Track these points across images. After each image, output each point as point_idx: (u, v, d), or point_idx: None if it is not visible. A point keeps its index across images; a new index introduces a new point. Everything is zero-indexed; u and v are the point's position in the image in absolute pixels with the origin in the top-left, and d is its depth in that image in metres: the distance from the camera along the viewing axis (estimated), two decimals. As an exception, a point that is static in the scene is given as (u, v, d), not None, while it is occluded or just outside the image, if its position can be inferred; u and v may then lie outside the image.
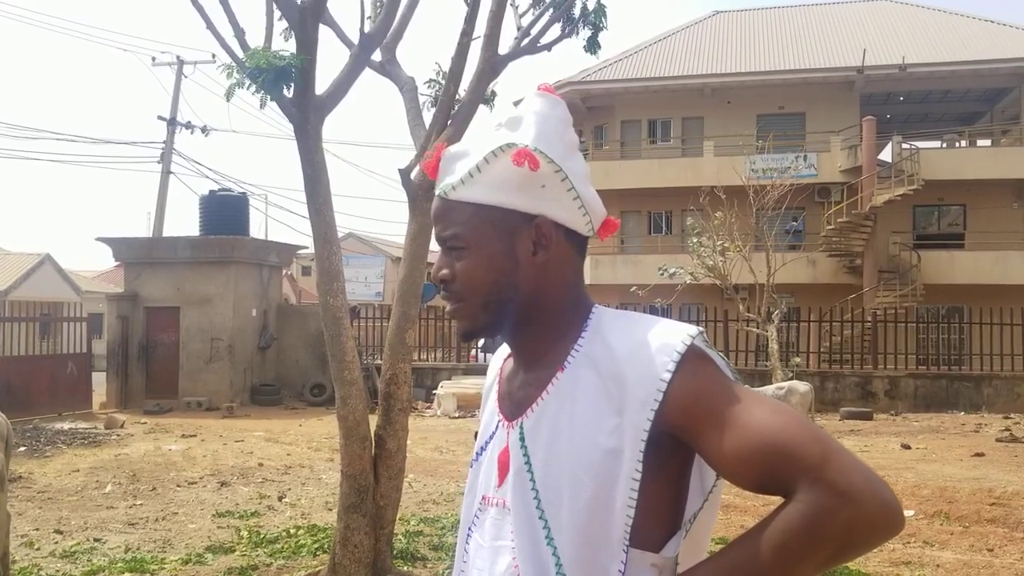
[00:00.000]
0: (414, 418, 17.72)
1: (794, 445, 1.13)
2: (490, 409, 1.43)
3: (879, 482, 1.11)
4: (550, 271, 1.33)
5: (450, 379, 20.40)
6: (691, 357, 1.23)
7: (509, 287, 1.32)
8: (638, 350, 1.23)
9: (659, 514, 1.26)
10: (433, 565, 6.57)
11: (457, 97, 6.66)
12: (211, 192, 21.36)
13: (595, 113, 30.99)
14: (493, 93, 7.58)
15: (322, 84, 6.28)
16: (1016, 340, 19.30)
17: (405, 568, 6.51)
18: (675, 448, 1.24)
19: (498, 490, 1.35)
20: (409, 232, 6.28)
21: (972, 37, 28.03)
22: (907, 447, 12.81)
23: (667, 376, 1.20)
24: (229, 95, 6.21)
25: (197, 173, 42.13)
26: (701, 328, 1.27)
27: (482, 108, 7.65)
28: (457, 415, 18.09)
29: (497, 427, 1.39)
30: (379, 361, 21.98)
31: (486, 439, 1.41)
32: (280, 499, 9.46)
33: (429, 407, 19.38)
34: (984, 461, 11.50)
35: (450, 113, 6.49)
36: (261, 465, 11.73)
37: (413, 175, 6.23)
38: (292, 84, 5.97)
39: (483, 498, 1.39)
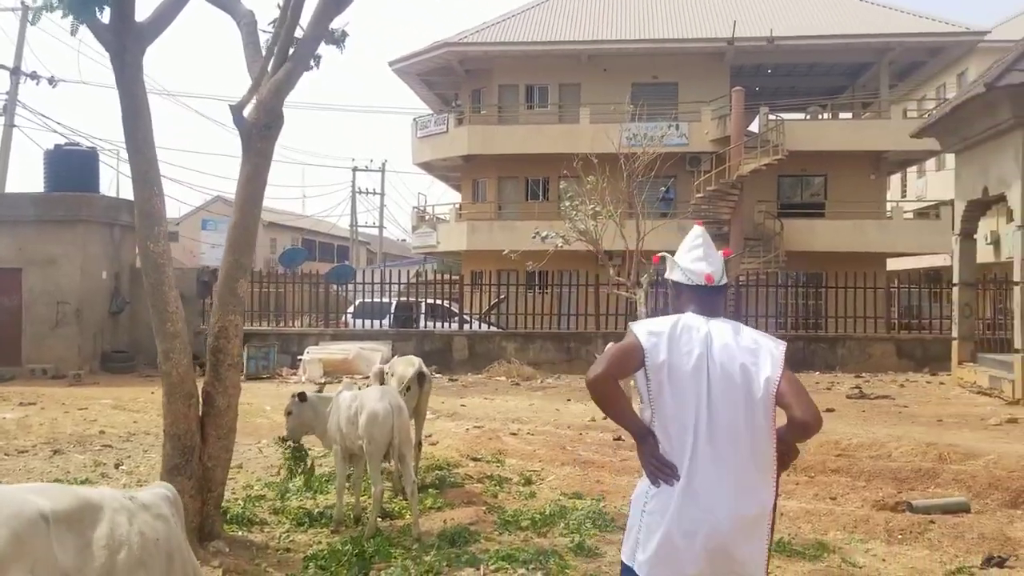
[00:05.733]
0: (278, 384, 17.13)
1: None
2: None
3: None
4: (679, 300, 3.03)
5: (317, 344, 19.82)
6: (629, 329, 2.89)
7: (673, 309, 3.02)
8: None
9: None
10: (271, 529, 6.22)
11: (299, 35, 6.23)
12: (57, 146, 19.91)
13: (473, 76, 30.59)
14: (344, 33, 7.16)
15: (145, 11, 5.74)
16: (868, 304, 20.19)
17: (240, 533, 6.13)
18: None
19: None
20: (242, 175, 5.83)
21: (839, 13, 28.97)
22: (763, 405, 13.17)
23: None
24: (36, 19, 5.60)
25: (44, 127, 39.53)
26: (643, 321, 2.88)
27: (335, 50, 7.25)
28: (323, 380, 17.49)
29: None
30: (252, 326, 21.20)
31: None
32: (117, 466, 8.85)
33: (295, 373, 18.77)
34: (834, 416, 11.90)
35: (288, 50, 6.05)
36: (102, 433, 11.01)
37: (246, 112, 5.78)
38: (107, 8, 5.42)
39: None
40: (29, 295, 18.24)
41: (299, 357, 19.30)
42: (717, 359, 2.76)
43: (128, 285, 19.85)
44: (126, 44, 5.50)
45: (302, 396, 6.61)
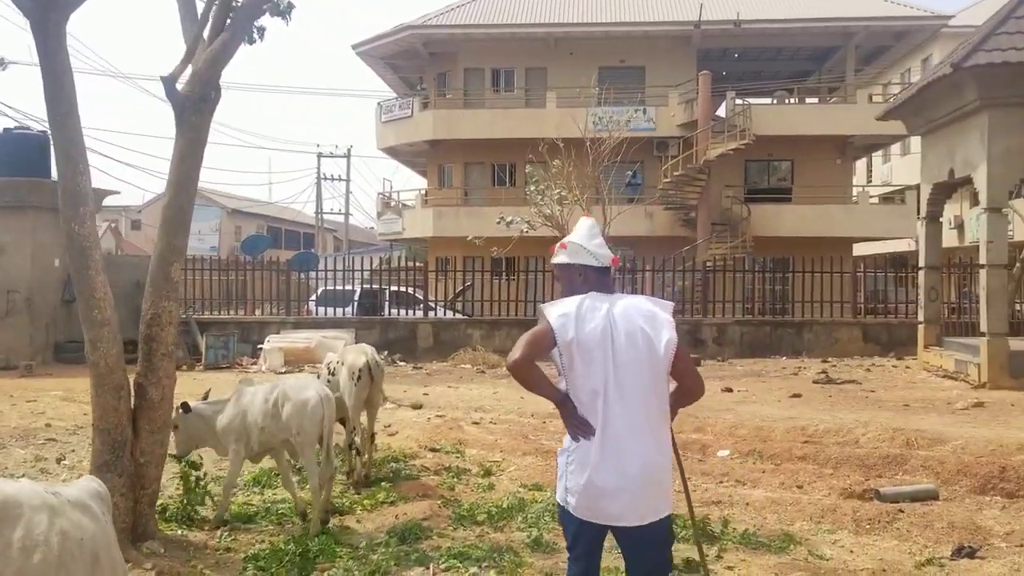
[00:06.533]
0: (237, 374, 16.69)
1: None
2: None
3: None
4: (585, 283, 3.41)
5: (279, 333, 19.40)
6: (542, 309, 3.35)
7: (574, 293, 3.38)
8: None
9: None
10: (211, 528, 5.88)
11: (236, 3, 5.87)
12: (6, 130, 19.24)
13: (437, 60, 30.16)
14: (290, 4, 6.80)
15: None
16: (835, 288, 20.14)
17: (179, 532, 5.81)
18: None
19: None
20: (176, 151, 5.47)
21: (805, -3, 28.90)
22: (729, 390, 13.00)
23: None
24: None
25: (-7, 110, 38.67)
26: (553, 304, 3.32)
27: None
28: (284, 370, 17.17)
29: None
30: (212, 315, 20.72)
31: None
32: (59, 461, 8.46)
33: (255, 363, 18.36)
34: (800, 402, 11.78)
35: (226, 19, 5.70)
36: (48, 426, 10.60)
37: (180, 84, 5.42)
38: (26, -29, 5.03)
39: None
40: (-24, 284, 17.63)
41: (260, 346, 18.88)
42: (621, 329, 3.23)
43: (82, 273, 19.29)
44: (48, 12, 5.11)
45: (185, 407, 6.08)
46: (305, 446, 5.70)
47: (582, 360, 3.19)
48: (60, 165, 5.09)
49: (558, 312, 3.24)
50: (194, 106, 5.37)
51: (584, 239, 3.45)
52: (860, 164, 35.79)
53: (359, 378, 6.89)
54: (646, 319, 3.28)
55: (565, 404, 3.24)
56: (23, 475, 7.73)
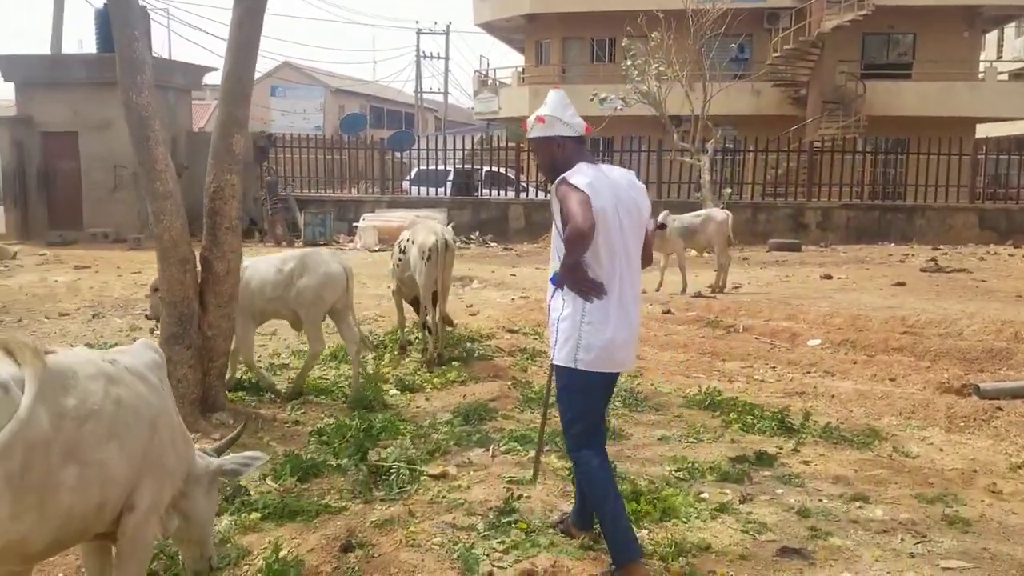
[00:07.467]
0: (333, 251, 17.00)
1: (567, 216, 3.31)
2: None
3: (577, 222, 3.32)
4: (564, 154, 3.51)
5: (373, 211, 19.56)
6: (562, 181, 3.39)
7: (557, 164, 3.51)
8: None
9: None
10: (281, 401, 5.96)
11: None
12: (106, 5, 19.43)
13: (537, -72, 28.72)
14: None
15: None
16: (952, 172, 18.87)
17: (252, 402, 5.91)
18: None
19: None
20: (234, 18, 5.27)
21: None
22: (828, 277, 12.43)
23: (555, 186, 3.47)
24: None
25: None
26: (576, 173, 3.39)
27: None
28: (377, 248, 17.36)
29: None
30: (311, 192, 21.05)
31: None
32: (152, 332, 8.71)
33: (351, 240, 18.64)
34: (904, 290, 11.16)
35: None
36: (148, 297, 10.97)
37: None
38: None
39: None
40: (87, 160, 18.26)
41: (355, 224, 19.12)
42: (623, 198, 3.48)
43: (185, 149, 19.69)
44: None
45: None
46: (315, 316, 6.07)
47: (604, 226, 3.37)
48: (116, 31, 4.97)
49: (585, 181, 3.36)
50: (252, -33, 5.12)
51: (558, 110, 3.54)
52: (990, 38, 32.88)
53: (429, 257, 6.76)
54: (633, 189, 3.56)
55: (579, 267, 3.39)
56: (115, 343, 8.03)
